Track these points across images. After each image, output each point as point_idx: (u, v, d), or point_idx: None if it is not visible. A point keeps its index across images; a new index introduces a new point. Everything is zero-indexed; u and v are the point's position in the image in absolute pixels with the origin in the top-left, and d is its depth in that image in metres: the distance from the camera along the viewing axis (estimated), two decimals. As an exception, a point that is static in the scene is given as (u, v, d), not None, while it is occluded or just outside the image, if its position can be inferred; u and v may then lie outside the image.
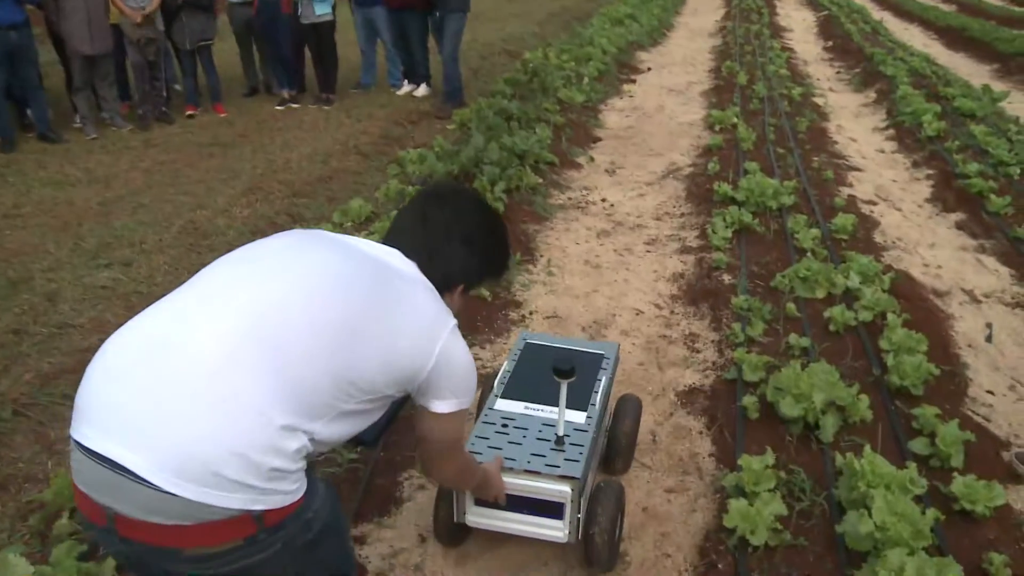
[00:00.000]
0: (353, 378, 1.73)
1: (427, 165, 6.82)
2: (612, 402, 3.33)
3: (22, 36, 7.64)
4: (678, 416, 3.83)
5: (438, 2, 9.17)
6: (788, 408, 3.50)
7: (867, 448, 3.23)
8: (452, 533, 2.90)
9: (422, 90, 10.29)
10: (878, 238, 5.84)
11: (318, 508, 1.77)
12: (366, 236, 3.63)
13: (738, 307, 4.61)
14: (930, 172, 7.44)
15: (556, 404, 2.73)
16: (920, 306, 4.71)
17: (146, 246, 5.66)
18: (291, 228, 2.04)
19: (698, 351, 4.39)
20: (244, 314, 1.67)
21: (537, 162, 7.00)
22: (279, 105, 9.78)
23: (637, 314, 4.80)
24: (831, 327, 4.41)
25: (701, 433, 3.71)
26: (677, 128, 9.01)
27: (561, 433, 2.75)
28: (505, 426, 2.85)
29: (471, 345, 2.00)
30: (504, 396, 3.01)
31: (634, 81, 11.49)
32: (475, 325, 4.37)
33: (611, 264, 5.47)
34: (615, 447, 3.26)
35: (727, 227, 5.67)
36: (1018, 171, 6.98)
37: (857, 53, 13.32)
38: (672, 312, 4.84)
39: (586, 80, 10.29)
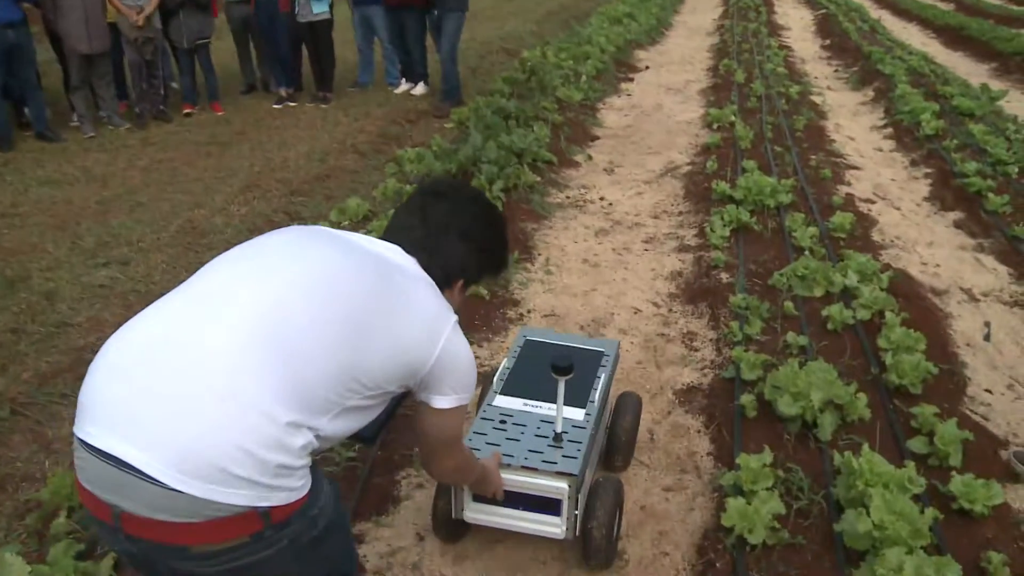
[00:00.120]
0: (357, 374, 1.74)
1: (425, 164, 6.82)
2: (612, 399, 3.33)
3: (19, 34, 7.62)
4: (676, 415, 3.83)
5: (436, 1, 9.16)
6: (786, 407, 3.50)
7: (865, 447, 3.23)
8: (451, 529, 2.91)
9: (420, 89, 10.28)
10: (876, 237, 5.84)
11: (323, 505, 1.77)
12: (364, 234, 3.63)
13: (736, 306, 4.61)
14: (928, 171, 7.44)
15: (555, 401, 2.73)
16: (918, 305, 4.71)
17: (144, 245, 5.66)
18: (285, 227, 2.03)
19: (696, 350, 4.39)
20: (247, 311, 1.67)
21: (535, 161, 6.99)
22: (276, 104, 9.77)
23: (635, 313, 4.80)
24: (829, 326, 4.41)
25: (699, 432, 3.71)
26: (675, 127, 9.01)
27: (559, 430, 2.75)
28: (503, 422, 2.86)
29: (469, 343, 2.01)
30: (503, 392, 3.01)
31: (631, 80, 11.49)
32: (473, 323, 4.37)
33: (609, 263, 5.46)
34: (615, 443, 3.27)
35: (725, 226, 5.66)
36: (1016, 170, 6.98)
37: (855, 51, 13.32)
38: (670, 311, 4.84)
39: (584, 79, 10.28)
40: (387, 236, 2.05)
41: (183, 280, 1.84)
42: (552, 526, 2.69)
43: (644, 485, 3.34)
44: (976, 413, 3.86)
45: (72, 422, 3.69)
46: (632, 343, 4.44)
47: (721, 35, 15.29)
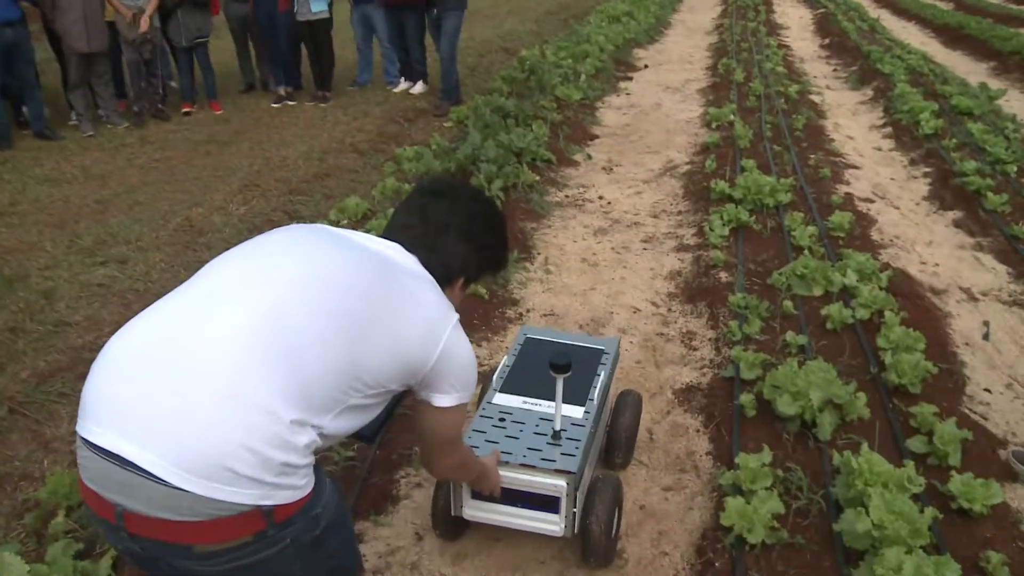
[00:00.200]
0: (358, 372, 1.74)
1: (424, 163, 6.82)
2: (612, 398, 3.33)
3: (18, 33, 7.62)
4: (675, 414, 3.83)
5: (436, 0, 9.16)
6: (785, 406, 3.50)
7: (864, 446, 3.23)
8: (450, 527, 2.91)
9: (419, 88, 10.28)
10: (875, 236, 5.83)
11: (325, 504, 1.77)
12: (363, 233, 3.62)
13: (735, 305, 4.60)
14: (927, 170, 7.44)
15: (554, 399, 2.73)
16: (917, 304, 4.71)
17: (142, 244, 5.66)
18: (286, 225, 2.03)
19: (695, 349, 4.39)
20: (249, 310, 1.67)
21: (534, 160, 6.99)
22: (275, 102, 9.76)
23: (634, 312, 4.79)
24: (828, 325, 4.41)
25: (698, 431, 3.71)
26: (674, 126, 9.01)
27: (558, 428, 2.75)
28: (502, 420, 2.86)
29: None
30: (503, 390, 3.02)
31: (630, 79, 11.48)
32: (472, 323, 4.37)
33: (608, 262, 5.46)
34: (615, 440, 3.27)
35: (724, 225, 5.66)
36: (1015, 169, 6.98)
37: (854, 51, 13.32)
38: (669, 310, 4.84)
39: (583, 78, 10.28)
40: (387, 235, 2.05)
41: (182, 279, 1.84)
42: (551, 524, 2.70)
43: (643, 485, 3.34)
44: (975, 412, 3.85)
45: (71, 421, 3.71)
46: (631, 342, 4.43)
47: (720, 34, 15.29)
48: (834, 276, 4.76)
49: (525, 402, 2.95)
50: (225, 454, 1.54)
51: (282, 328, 1.65)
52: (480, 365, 3.82)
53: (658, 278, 5.24)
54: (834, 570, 2.83)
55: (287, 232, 1.96)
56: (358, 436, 1.94)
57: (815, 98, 10.33)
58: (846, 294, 4.69)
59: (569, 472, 2.61)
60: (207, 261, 1.87)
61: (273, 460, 1.58)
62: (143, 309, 1.77)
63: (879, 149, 8.38)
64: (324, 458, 3.29)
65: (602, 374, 3.12)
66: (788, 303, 4.58)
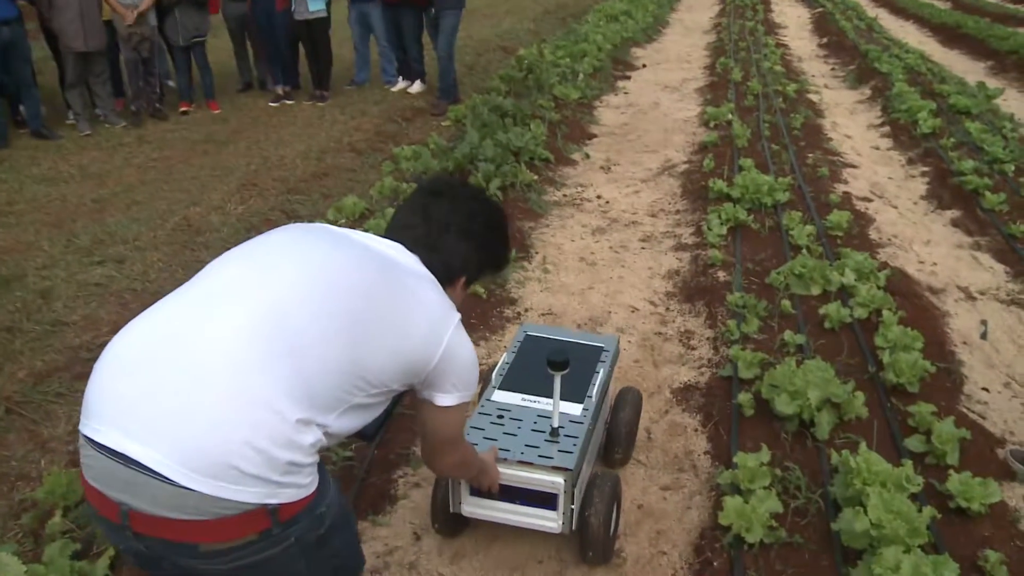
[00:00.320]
0: (362, 371, 1.74)
1: (422, 162, 6.81)
2: (612, 395, 3.33)
3: (14, 32, 7.60)
4: (673, 413, 3.83)
5: (434, -2, 9.16)
6: (783, 405, 3.50)
7: (862, 445, 3.22)
8: (449, 523, 2.91)
9: (417, 87, 10.27)
10: (873, 235, 5.83)
11: (329, 502, 1.77)
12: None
13: (733, 304, 4.60)
14: (925, 169, 7.44)
15: (552, 396, 2.73)
16: (915, 303, 4.71)
17: (140, 243, 5.65)
18: (285, 225, 2.03)
19: (693, 348, 4.39)
20: (255, 309, 1.67)
21: (532, 159, 6.99)
22: (273, 102, 9.75)
23: (632, 311, 4.79)
24: (826, 324, 4.41)
25: (696, 430, 3.70)
26: (672, 125, 9.01)
27: (556, 425, 2.76)
28: (501, 417, 2.86)
29: (466, 342, 2.05)
30: (502, 388, 3.02)
31: (628, 78, 11.48)
32: (470, 322, 4.37)
33: (606, 261, 5.46)
34: (614, 436, 3.27)
35: (722, 224, 5.66)
36: (1013, 168, 6.98)
37: (852, 50, 13.32)
38: (667, 309, 4.84)
39: (581, 77, 10.27)
40: (389, 234, 2.05)
41: (179, 278, 1.84)
42: (548, 520, 2.70)
43: (642, 484, 3.34)
44: (973, 411, 3.86)
45: (68, 421, 3.71)
46: (629, 342, 4.43)
47: (718, 33, 15.29)
48: (832, 275, 4.76)
49: (524, 399, 2.95)
50: (231, 453, 1.54)
51: (284, 328, 1.66)
52: (478, 364, 3.82)
53: (656, 277, 5.24)
54: (832, 569, 2.83)
55: (288, 231, 1.96)
56: (359, 435, 1.94)
57: (813, 97, 10.34)
58: (844, 293, 4.69)
59: (566, 469, 2.62)
60: (205, 260, 1.87)
61: (279, 459, 1.58)
62: (141, 308, 1.77)
63: (877, 148, 8.38)
64: (322, 458, 3.28)
65: (601, 372, 3.12)
66: (786, 302, 4.58)
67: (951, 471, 3.19)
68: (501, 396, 2.97)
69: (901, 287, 4.84)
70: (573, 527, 2.73)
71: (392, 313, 1.80)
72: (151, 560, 1.72)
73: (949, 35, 15.83)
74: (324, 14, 9.43)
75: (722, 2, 19.64)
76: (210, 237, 5.73)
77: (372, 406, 1.84)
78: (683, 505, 3.24)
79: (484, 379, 3.25)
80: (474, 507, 2.75)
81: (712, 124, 8.53)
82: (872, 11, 19.28)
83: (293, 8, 9.22)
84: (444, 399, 1.95)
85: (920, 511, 2.80)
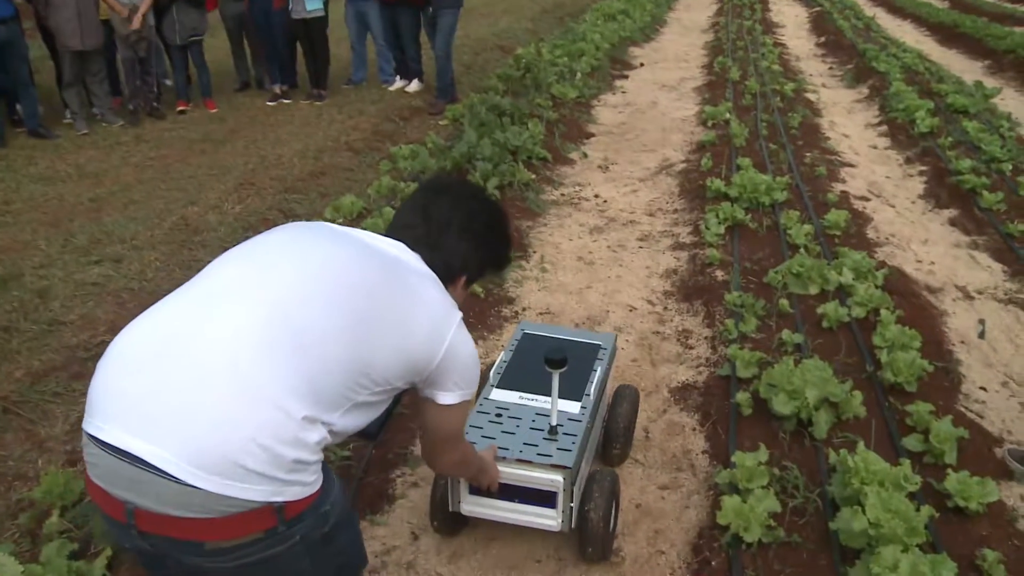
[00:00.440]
0: (366, 369, 1.74)
1: (419, 161, 6.81)
2: (609, 393, 3.33)
3: (11, 31, 7.59)
4: (671, 413, 3.83)
5: (432, -3, 9.15)
6: (781, 404, 3.50)
7: (860, 445, 3.22)
8: (448, 522, 2.91)
9: (414, 86, 10.26)
10: (871, 234, 5.84)
11: (334, 500, 1.78)
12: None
13: (731, 303, 4.60)
14: (923, 168, 7.45)
15: (551, 394, 2.73)
16: (913, 302, 4.71)
17: (137, 242, 5.64)
18: (286, 223, 2.04)
19: (691, 347, 4.39)
20: (259, 308, 1.67)
21: (530, 158, 6.99)
22: (270, 101, 9.74)
23: (630, 310, 4.79)
24: (824, 323, 4.41)
25: (694, 430, 3.70)
26: (670, 124, 9.00)
27: (554, 423, 2.76)
28: (499, 416, 2.86)
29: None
30: (499, 386, 3.02)
31: (626, 77, 11.48)
32: (468, 321, 4.35)
33: (604, 260, 5.46)
34: (613, 431, 3.27)
35: (720, 223, 5.66)
36: (1010, 167, 6.98)
37: (850, 49, 13.33)
38: (665, 308, 4.84)
39: (579, 76, 10.27)
40: (390, 233, 2.05)
41: (177, 277, 1.84)
42: (547, 518, 2.71)
43: (640, 483, 3.34)
44: (971, 411, 3.86)
45: (65, 420, 3.71)
46: (627, 341, 4.43)
47: (716, 32, 15.30)
48: (830, 274, 4.76)
49: (522, 397, 2.95)
50: (237, 450, 1.54)
51: (288, 326, 1.66)
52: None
53: (654, 276, 5.24)
54: (830, 569, 2.83)
55: (291, 230, 1.96)
56: (362, 435, 1.95)
57: (811, 96, 10.34)
58: (842, 292, 4.69)
59: (565, 467, 2.62)
60: (202, 260, 1.87)
61: (285, 457, 1.59)
62: (138, 308, 1.77)
63: (875, 147, 8.38)
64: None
65: (599, 369, 3.12)
66: (784, 301, 4.58)
67: (949, 470, 3.19)
68: (499, 394, 2.98)
69: (899, 286, 4.85)
70: (572, 525, 2.74)
71: (395, 311, 1.81)
72: (156, 558, 1.72)
73: (947, 34, 15.84)
74: (321, 13, 9.42)
75: (720, 1, 19.64)
76: (207, 236, 5.72)
77: (375, 404, 1.84)
78: (681, 504, 3.24)
79: (483, 378, 3.26)
80: (473, 506, 2.76)
81: (710, 123, 8.53)
82: (870, 10, 19.28)
83: (291, 7, 9.21)
84: (446, 397, 1.95)
85: (918, 510, 2.80)
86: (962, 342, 4.51)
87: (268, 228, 2.00)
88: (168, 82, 9.95)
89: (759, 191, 6.04)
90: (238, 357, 1.60)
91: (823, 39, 15.09)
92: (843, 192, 6.61)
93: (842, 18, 16.53)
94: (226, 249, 1.92)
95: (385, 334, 1.77)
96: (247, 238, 1.94)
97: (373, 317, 1.76)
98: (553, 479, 2.63)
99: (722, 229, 5.60)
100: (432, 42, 9.48)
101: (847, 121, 9.42)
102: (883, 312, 4.34)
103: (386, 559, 2.92)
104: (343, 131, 8.50)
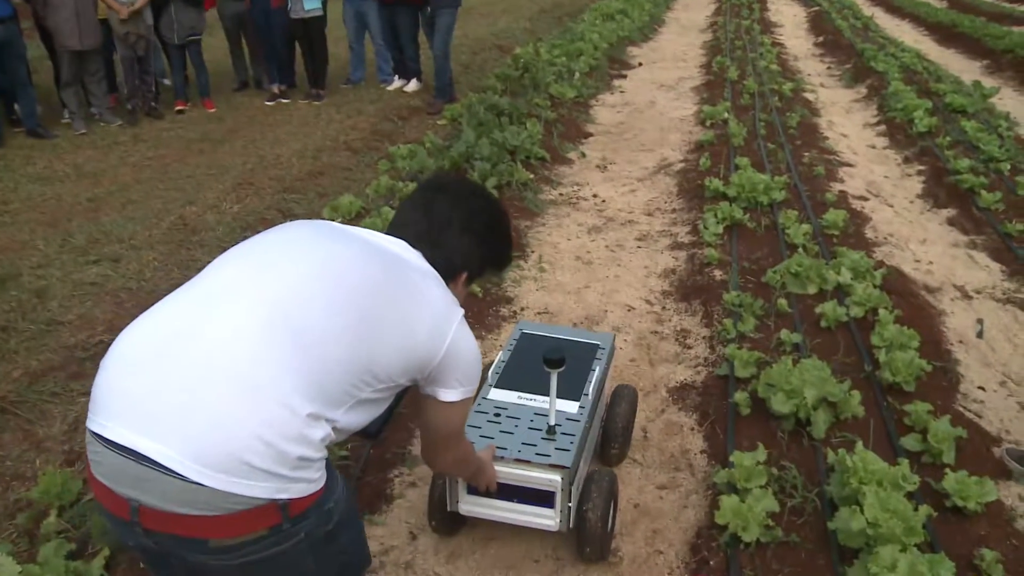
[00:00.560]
0: (370, 366, 1.75)
1: (418, 161, 6.80)
2: (608, 393, 3.33)
3: (9, 30, 7.58)
4: (669, 412, 3.83)
5: (430, -3, 9.15)
6: (779, 404, 3.50)
7: (859, 444, 3.23)
8: (446, 522, 2.91)
9: (413, 85, 10.25)
10: (869, 234, 5.84)
11: (337, 498, 1.78)
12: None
13: (729, 303, 4.60)
14: (921, 168, 7.45)
15: (549, 394, 2.72)
16: (912, 302, 4.71)
17: (135, 242, 5.63)
18: (288, 222, 2.05)
19: (689, 347, 4.39)
20: (262, 305, 1.67)
21: (528, 158, 6.99)
22: (269, 100, 9.74)
23: (628, 310, 4.79)
24: (822, 323, 4.41)
25: (693, 429, 3.70)
26: (668, 124, 9.00)
27: (552, 423, 2.75)
28: (498, 415, 2.86)
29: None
30: (498, 386, 3.01)
31: (624, 77, 11.48)
32: (466, 320, 4.35)
33: (602, 260, 5.46)
34: (611, 432, 3.27)
35: (718, 223, 5.66)
36: (1008, 167, 6.98)
37: (848, 49, 13.33)
38: (663, 308, 4.83)
39: (577, 75, 10.27)
40: (391, 231, 2.06)
41: (175, 277, 1.84)
42: (545, 518, 2.70)
43: (638, 483, 3.34)
44: (969, 410, 3.86)
45: (63, 420, 3.70)
46: (625, 341, 4.43)
47: (714, 32, 15.30)
48: (828, 274, 4.76)
49: (520, 397, 2.95)
50: (242, 448, 1.55)
51: (293, 323, 1.66)
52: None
53: (652, 276, 5.24)
54: (829, 568, 2.83)
55: (293, 229, 1.96)
56: (364, 434, 1.95)
57: (809, 96, 10.34)
58: (840, 292, 4.69)
59: (564, 467, 2.62)
60: (201, 259, 1.88)
61: (290, 454, 1.59)
62: (136, 308, 1.77)
63: (873, 147, 8.38)
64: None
65: (597, 369, 3.12)
66: (782, 301, 4.58)
67: (947, 470, 3.20)
68: (498, 394, 2.97)
69: (897, 286, 4.85)
70: (570, 525, 2.73)
71: (397, 309, 1.81)
72: (160, 556, 1.73)
73: (945, 34, 15.84)
74: (320, 12, 9.42)
75: (718, 1, 19.64)
76: (206, 236, 5.72)
77: (378, 401, 1.84)
78: (679, 504, 3.24)
79: (482, 377, 3.26)
80: (471, 505, 2.75)
81: (708, 123, 8.53)
82: (868, 10, 19.29)
83: (289, 6, 9.21)
84: (448, 394, 1.95)
85: (916, 510, 2.80)
86: (960, 342, 4.51)
87: (266, 228, 2.00)
88: (166, 82, 9.95)
89: (757, 191, 6.04)
90: (239, 356, 1.60)
91: (821, 39, 15.10)
92: (841, 192, 6.61)
93: (840, 18, 16.53)
94: (225, 249, 1.92)
95: (387, 332, 1.78)
96: (245, 238, 1.94)
97: (375, 316, 1.76)
98: (551, 479, 2.62)
99: (720, 229, 5.60)
100: (430, 42, 9.48)
101: (845, 121, 9.42)
102: (881, 312, 4.34)
103: (384, 559, 2.92)
104: (341, 131, 8.50)
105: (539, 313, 4.73)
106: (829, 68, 12.58)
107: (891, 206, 6.59)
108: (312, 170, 7.22)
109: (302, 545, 1.69)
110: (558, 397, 2.76)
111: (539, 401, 2.90)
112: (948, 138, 7.79)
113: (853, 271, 4.78)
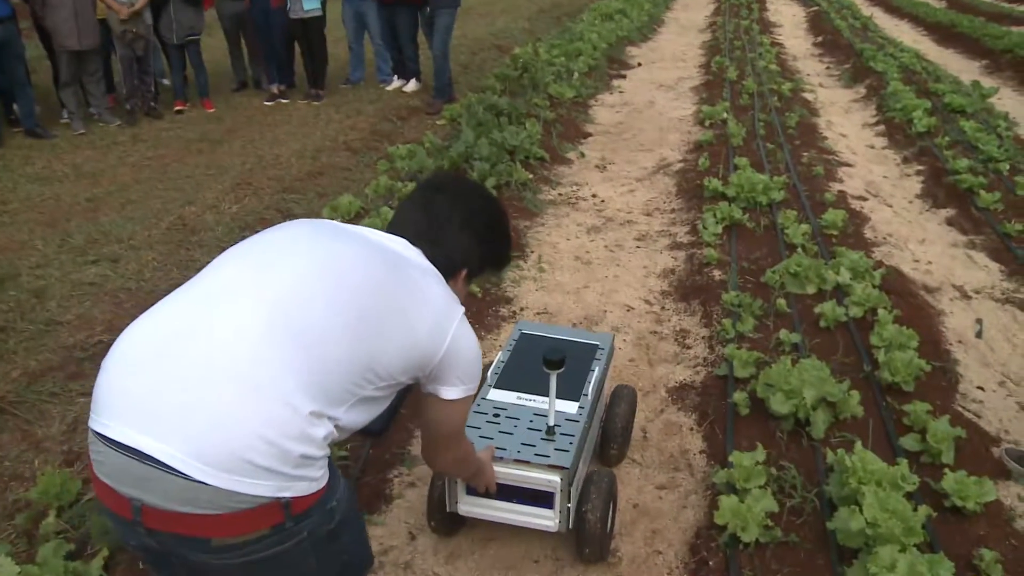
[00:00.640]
0: (372, 364, 1.75)
1: (417, 161, 6.80)
2: (607, 393, 3.33)
3: (8, 30, 7.58)
4: (669, 412, 3.83)
5: (429, -3, 9.15)
6: (779, 404, 3.50)
7: (858, 444, 3.22)
8: (445, 522, 2.91)
9: (412, 86, 10.25)
10: (868, 234, 5.84)
11: (339, 497, 1.78)
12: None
13: (728, 303, 4.60)
14: (920, 168, 7.45)
15: (548, 394, 2.72)
16: (911, 302, 4.71)
17: (134, 242, 5.63)
18: (289, 221, 2.06)
19: (688, 347, 4.39)
20: (264, 304, 1.67)
21: (527, 158, 6.99)
22: (268, 100, 9.74)
23: (628, 310, 4.79)
24: (821, 323, 4.41)
25: (692, 429, 3.70)
26: (667, 124, 9.01)
27: (552, 423, 2.75)
28: (497, 416, 2.85)
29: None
30: (497, 386, 3.01)
31: (623, 77, 11.48)
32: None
33: (601, 260, 5.46)
34: (610, 432, 3.27)
35: (717, 223, 5.66)
36: (1007, 167, 6.99)
37: (847, 48, 13.33)
38: (663, 308, 4.83)
39: (576, 75, 10.27)
40: (391, 229, 2.06)
41: (174, 277, 1.84)
42: (545, 519, 2.70)
43: (637, 483, 3.33)
44: (968, 410, 3.86)
45: (62, 421, 3.70)
46: (624, 341, 4.43)
47: (713, 32, 15.30)
48: (827, 274, 4.76)
49: (519, 398, 2.95)
50: (245, 446, 1.55)
51: (295, 321, 1.66)
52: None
53: (651, 276, 5.24)
54: (828, 568, 2.83)
55: (293, 228, 1.96)
56: (368, 432, 1.95)
57: (808, 96, 10.34)
58: (839, 292, 4.69)
59: (563, 468, 2.61)
60: (200, 260, 1.88)
61: (292, 452, 1.59)
62: (135, 308, 1.77)
63: (872, 147, 8.39)
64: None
65: (596, 369, 3.11)
66: (781, 301, 4.58)
67: (946, 470, 3.19)
68: (497, 395, 2.97)
69: (896, 286, 4.85)
70: (570, 525, 2.73)
71: (399, 307, 1.81)
72: (162, 556, 1.73)
73: (944, 34, 15.85)
74: (319, 12, 9.42)
75: (717, 1, 19.65)
76: (205, 236, 5.71)
77: (380, 399, 1.84)
78: (679, 504, 3.24)
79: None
80: (471, 506, 2.75)
81: (707, 123, 8.53)
82: (867, 10, 19.30)
83: (288, 6, 9.21)
84: (449, 392, 1.95)
85: (915, 510, 2.80)
86: (959, 341, 4.51)
87: (266, 228, 2.00)
88: (165, 82, 9.94)
89: (756, 191, 6.04)
90: (240, 356, 1.60)
91: (820, 39, 15.10)
92: (840, 192, 6.61)
93: (839, 18, 16.54)
94: (224, 249, 1.92)
95: (388, 330, 1.78)
96: (244, 238, 1.93)
97: (376, 314, 1.77)
98: (550, 479, 2.62)
99: (719, 229, 5.60)
100: (429, 42, 9.48)
101: (844, 121, 9.42)
102: (880, 312, 4.34)
103: (383, 559, 2.92)
104: (341, 131, 8.50)
105: (538, 313, 4.73)
106: (828, 68, 12.58)
107: (890, 206, 6.59)
108: (311, 170, 7.22)
109: (304, 544, 1.69)
110: (557, 397, 2.75)
111: (538, 401, 2.90)
112: (947, 138, 7.80)
113: (852, 271, 4.78)
